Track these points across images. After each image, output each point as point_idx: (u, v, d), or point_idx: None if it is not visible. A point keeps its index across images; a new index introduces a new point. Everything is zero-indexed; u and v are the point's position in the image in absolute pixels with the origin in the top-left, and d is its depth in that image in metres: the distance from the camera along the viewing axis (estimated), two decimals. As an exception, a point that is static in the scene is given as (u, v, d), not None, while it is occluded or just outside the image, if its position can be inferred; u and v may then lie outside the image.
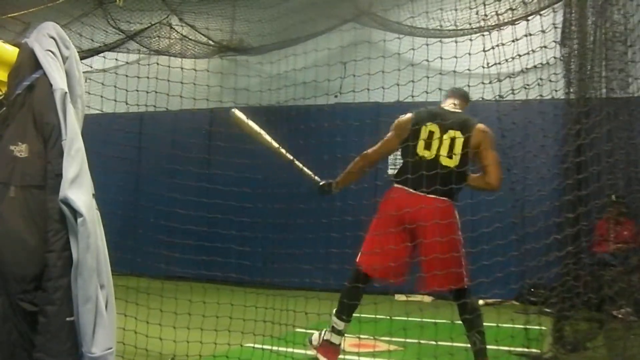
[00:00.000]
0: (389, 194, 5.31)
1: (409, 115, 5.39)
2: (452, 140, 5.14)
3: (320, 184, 5.70)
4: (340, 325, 5.22)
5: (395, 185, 5.27)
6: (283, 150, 5.79)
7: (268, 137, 5.82)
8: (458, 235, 5.10)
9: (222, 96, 7.77)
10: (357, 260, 5.27)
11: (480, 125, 5.21)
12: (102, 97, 5.84)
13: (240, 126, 5.86)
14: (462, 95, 5.53)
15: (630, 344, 5.22)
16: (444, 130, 5.16)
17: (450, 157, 5.12)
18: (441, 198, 5.04)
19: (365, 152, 5.54)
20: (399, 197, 5.18)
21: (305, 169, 5.80)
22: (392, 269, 5.08)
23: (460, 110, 5.42)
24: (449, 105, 5.46)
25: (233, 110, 5.88)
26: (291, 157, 5.81)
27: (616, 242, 8.21)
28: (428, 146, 5.16)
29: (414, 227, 5.00)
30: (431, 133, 5.19)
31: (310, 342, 5.45)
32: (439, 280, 4.96)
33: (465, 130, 5.15)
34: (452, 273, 4.96)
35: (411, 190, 5.12)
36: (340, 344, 5.26)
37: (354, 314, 5.27)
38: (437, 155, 5.13)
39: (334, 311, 5.27)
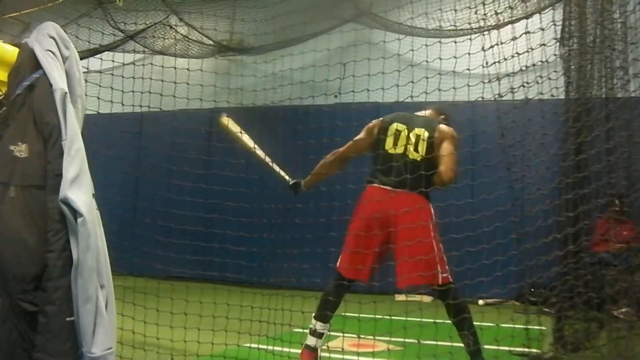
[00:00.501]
0: (362, 196, 5.42)
1: (379, 119, 5.59)
2: (417, 137, 5.30)
3: (290, 183, 5.88)
4: (317, 325, 5.24)
5: (368, 186, 5.41)
6: (259, 152, 5.99)
7: (247, 139, 6.00)
8: (432, 236, 5.14)
9: (222, 96, 7.76)
10: (338, 264, 5.38)
11: (443, 125, 5.38)
12: (98, 98, 5.82)
13: (226, 132, 6.00)
14: (436, 108, 5.71)
15: (632, 344, 5.21)
16: (410, 129, 5.34)
17: (416, 151, 5.26)
18: (412, 194, 5.08)
19: (336, 150, 5.73)
20: (371, 195, 5.30)
21: (277, 168, 5.98)
22: (361, 269, 5.20)
23: (427, 115, 5.60)
24: (420, 113, 5.64)
25: (222, 118, 5.89)
26: (263, 157, 5.99)
27: (617, 242, 8.21)
28: (395, 143, 5.34)
29: (389, 225, 5.11)
30: (398, 132, 5.38)
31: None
32: (413, 277, 5.04)
33: (429, 129, 5.31)
34: (428, 273, 5.00)
35: (382, 186, 5.27)
36: (316, 348, 5.24)
37: (352, 314, 5.27)
38: (405, 152, 5.28)
39: (313, 315, 5.28)
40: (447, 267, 5.12)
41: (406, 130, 5.34)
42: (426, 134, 5.28)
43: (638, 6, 5.75)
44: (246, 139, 6.03)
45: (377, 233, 5.13)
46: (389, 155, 5.32)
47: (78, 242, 3.46)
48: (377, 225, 5.14)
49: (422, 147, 5.26)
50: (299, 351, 5.24)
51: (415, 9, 8.60)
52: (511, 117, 5.44)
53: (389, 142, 5.36)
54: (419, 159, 5.22)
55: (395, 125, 5.40)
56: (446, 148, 5.23)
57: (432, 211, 5.24)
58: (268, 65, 8.00)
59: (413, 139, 5.30)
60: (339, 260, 5.38)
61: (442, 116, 5.64)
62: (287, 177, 5.89)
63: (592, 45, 6.22)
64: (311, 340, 5.24)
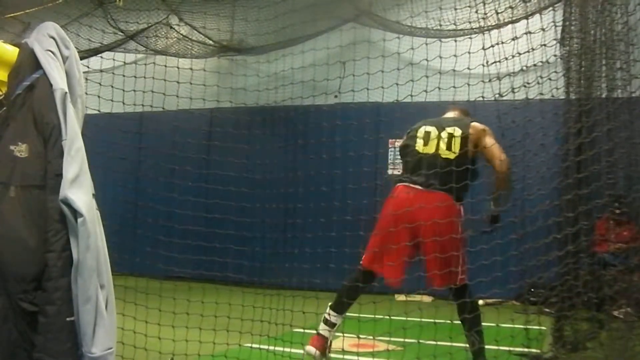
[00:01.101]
0: (391, 193, 5.35)
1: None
2: (450, 136, 5.24)
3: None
4: (333, 318, 5.21)
5: (397, 184, 5.34)
6: None
7: None
8: (459, 234, 5.10)
9: (223, 96, 7.78)
10: (362, 260, 5.31)
11: (475, 123, 5.32)
12: (99, 97, 5.83)
13: None
14: (462, 109, 5.68)
15: (631, 344, 5.21)
16: (440, 129, 5.29)
17: (449, 149, 5.21)
18: (441, 193, 5.05)
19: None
20: (400, 194, 5.25)
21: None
22: (391, 268, 5.11)
23: (456, 116, 5.56)
24: (448, 114, 5.62)
25: None
26: None
27: (616, 242, 8.21)
28: (426, 143, 5.29)
29: (415, 226, 5.03)
30: (427, 133, 5.33)
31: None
32: (437, 279, 5.01)
33: (461, 127, 5.26)
34: (449, 272, 4.99)
35: (411, 185, 5.21)
36: (329, 338, 5.23)
37: (352, 314, 5.28)
38: (437, 151, 5.23)
39: (329, 304, 5.27)
40: (466, 267, 5.12)
41: (436, 130, 5.30)
42: (459, 131, 5.24)
43: (638, 7, 5.75)
44: None
45: (405, 230, 5.08)
46: (419, 154, 5.28)
47: (78, 242, 3.46)
48: (404, 223, 5.08)
49: (455, 145, 5.20)
50: (300, 351, 5.24)
51: (415, 8, 8.60)
52: (511, 117, 5.43)
53: (419, 143, 5.32)
54: (452, 157, 5.17)
55: (423, 128, 5.37)
56: (488, 141, 5.21)
57: (462, 210, 5.22)
58: (268, 65, 8.00)
59: (445, 138, 5.25)
60: (364, 257, 5.31)
61: (468, 116, 5.62)
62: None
63: (592, 46, 6.22)
64: (322, 327, 5.23)
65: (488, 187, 5.26)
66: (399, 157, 5.51)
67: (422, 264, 5.10)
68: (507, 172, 5.13)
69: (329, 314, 5.23)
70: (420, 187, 5.17)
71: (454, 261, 4.99)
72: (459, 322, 5.06)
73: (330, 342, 5.26)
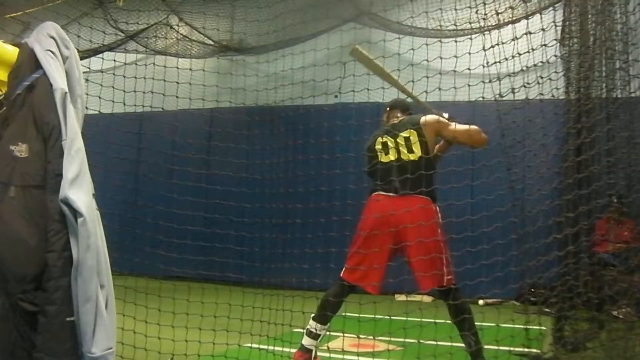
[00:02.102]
0: (367, 204, 5.41)
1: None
2: (406, 139, 5.34)
3: None
4: (314, 326, 5.22)
5: (372, 193, 5.41)
6: (408, 89, 5.65)
7: (393, 75, 5.69)
8: (439, 236, 5.14)
9: (223, 96, 7.77)
10: (342, 273, 5.34)
11: (426, 117, 5.41)
12: (99, 97, 5.83)
13: (363, 62, 5.78)
14: (403, 106, 5.75)
15: (632, 344, 5.21)
16: (395, 137, 5.39)
17: (411, 152, 5.30)
18: (416, 197, 5.09)
19: None
20: (380, 202, 5.30)
21: (413, 93, 5.65)
22: (370, 275, 5.17)
23: (403, 117, 5.62)
24: (393, 120, 5.67)
25: (355, 46, 5.78)
26: (399, 82, 5.68)
27: (617, 242, 8.21)
28: (386, 152, 5.41)
29: (396, 230, 5.10)
30: (384, 143, 5.44)
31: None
32: (423, 282, 5.05)
33: (413, 126, 5.34)
34: (434, 274, 5.01)
35: (383, 193, 5.30)
36: (312, 350, 5.23)
37: (352, 314, 5.28)
38: (399, 156, 5.33)
39: (312, 317, 5.26)
40: (451, 268, 5.13)
41: (392, 139, 5.39)
42: (414, 131, 5.32)
43: (638, 7, 5.75)
44: (378, 65, 5.76)
45: (382, 236, 5.13)
46: (384, 164, 5.36)
47: (78, 242, 3.46)
48: (381, 229, 5.13)
49: (417, 147, 5.28)
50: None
51: (416, 8, 8.59)
52: (511, 118, 5.43)
53: (380, 154, 5.43)
54: (416, 158, 5.25)
55: (379, 139, 5.48)
56: (450, 129, 5.29)
57: (437, 211, 5.25)
58: (268, 65, 8.00)
59: (403, 143, 5.33)
60: (345, 271, 5.34)
61: (408, 111, 5.70)
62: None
63: (592, 46, 6.22)
64: (307, 341, 5.23)
65: (486, 187, 5.28)
66: (367, 174, 5.58)
67: (408, 268, 5.13)
68: (482, 139, 5.24)
69: (314, 327, 5.23)
70: (393, 194, 5.23)
71: (439, 263, 5.03)
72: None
73: (316, 354, 5.28)
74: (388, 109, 5.79)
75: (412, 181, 5.05)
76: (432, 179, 5.21)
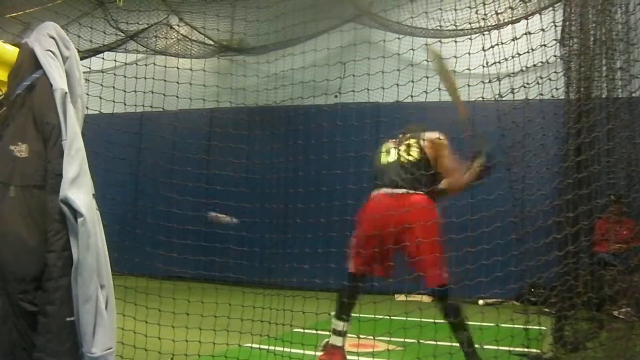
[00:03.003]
0: (367, 203, 5.46)
1: None
2: (408, 146, 5.47)
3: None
4: (339, 325, 5.27)
5: (373, 191, 5.48)
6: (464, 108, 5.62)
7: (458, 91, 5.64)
8: (438, 236, 5.18)
9: (223, 96, 7.77)
10: (350, 268, 5.42)
11: (429, 134, 5.48)
12: (100, 97, 5.83)
13: (438, 68, 5.63)
14: (413, 129, 5.75)
15: (632, 344, 5.21)
16: (398, 145, 5.54)
17: (409, 155, 5.41)
18: (417, 195, 5.19)
19: None
20: (375, 199, 5.40)
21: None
22: (372, 264, 5.28)
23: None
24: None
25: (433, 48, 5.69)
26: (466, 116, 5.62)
27: (617, 242, 8.21)
28: (388, 154, 5.55)
29: (397, 230, 5.13)
30: (387, 147, 5.61)
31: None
32: (426, 280, 5.10)
33: (415, 137, 5.49)
34: (435, 272, 5.07)
35: (385, 190, 5.35)
36: (342, 345, 5.28)
37: (352, 314, 5.29)
38: (399, 158, 5.44)
39: (333, 313, 5.31)
40: (446, 269, 5.15)
41: (395, 145, 5.54)
42: (414, 141, 5.45)
43: (638, 7, 5.75)
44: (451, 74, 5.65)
45: (381, 234, 5.16)
46: (384, 166, 5.50)
47: (78, 242, 3.47)
48: (381, 229, 5.16)
49: (415, 151, 5.40)
50: (300, 351, 5.24)
51: (415, 8, 8.59)
52: (511, 118, 5.43)
53: (383, 157, 5.58)
54: (413, 160, 5.36)
55: (385, 147, 5.64)
56: (445, 155, 5.39)
57: (436, 210, 5.27)
58: (268, 65, 8.00)
59: (404, 148, 5.46)
60: (350, 263, 5.42)
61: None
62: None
63: (592, 46, 6.22)
64: (336, 340, 5.30)
65: (486, 187, 5.29)
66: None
67: (408, 266, 5.14)
68: (456, 191, 5.44)
69: (337, 324, 5.31)
70: (391, 191, 5.28)
71: (436, 263, 5.09)
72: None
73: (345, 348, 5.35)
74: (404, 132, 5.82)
75: (410, 179, 5.16)
76: (431, 178, 5.23)
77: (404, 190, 5.20)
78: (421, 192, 5.21)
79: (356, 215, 5.48)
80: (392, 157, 5.48)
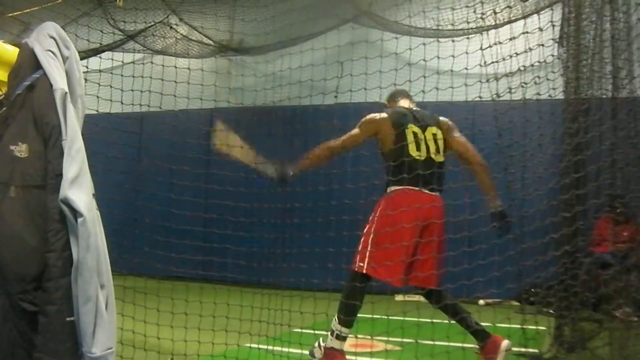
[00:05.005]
0: (393, 197, 5.24)
1: (383, 115, 5.42)
2: (434, 136, 5.28)
3: (276, 175, 5.47)
4: (345, 332, 5.13)
5: (398, 187, 5.22)
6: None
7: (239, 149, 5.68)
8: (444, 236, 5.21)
9: (222, 96, 7.77)
10: (359, 266, 5.19)
11: (442, 118, 5.42)
12: (98, 97, 5.84)
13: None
14: (409, 95, 5.68)
15: (631, 344, 5.23)
16: (424, 129, 5.27)
17: (438, 153, 5.26)
18: (438, 196, 5.14)
19: (328, 143, 5.48)
20: (407, 196, 5.16)
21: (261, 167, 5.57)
22: (389, 269, 5.08)
23: (419, 108, 5.56)
24: (410, 105, 5.58)
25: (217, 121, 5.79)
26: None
27: (615, 242, 8.22)
28: (418, 147, 5.22)
29: (425, 226, 5.06)
30: (415, 134, 5.25)
31: (313, 354, 5.42)
32: (432, 279, 5.06)
33: (437, 125, 5.34)
34: (439, 271, 5.07)
35: (411, 187, 5.15)
36: (342, 350, 5.20)
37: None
38: (429, 154, 5.24)
39: (336, 318, 5.17)
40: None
41: (421, 132, 5.25)
42: (438, 131, 5.30)
43: (637, 6, 5.76)
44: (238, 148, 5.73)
45: (411, 229, 5.04)
46: (415, 161, 5.17)
47: (78, 242, 3.47)
48: (411, 222, 5.04)
49: (441, 147, 5.27)
50: (299, 351, 5.25)
51: (413, 7, 8.61)
52: (509, 118, 5.45)
53: (412, 147, 5.21)
54: (442, 160, 5.27)
55: (410, 129, 5.25)
56: (457, 134, 5.34)
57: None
58: (266, 65, 8.02)
59: (432, 140, 5.26)
60: (365, 262, 5.17)
61: (412, 100, 5.66)
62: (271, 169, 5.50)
63: (590, 46, 6.23)
64: (337, 344, 5.15)
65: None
66: (389, 159, 5.35)
67: (416, 264, 5.10)
68: (488, 169, 5.22)
69: (344, 330, 5.13)
70: (421, 190, 5.14)
71: (442, 261, 5.10)
72: (455, 322, 5.09)
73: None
74: (393, 96, 5.72)
75: (437, 182, 5.12)
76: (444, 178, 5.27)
77: (431, 190, 5.16)
78: (440, 193, 5.23)
79: (356, 219, 5.43)
80: (422, 151, 5.21)
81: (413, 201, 5.10)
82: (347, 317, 5.09)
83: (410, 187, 5.15)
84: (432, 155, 5.23)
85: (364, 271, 5.12)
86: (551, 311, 5.92)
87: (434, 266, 5.03)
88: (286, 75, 7.18)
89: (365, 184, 5.56)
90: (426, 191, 5.15)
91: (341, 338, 5.15)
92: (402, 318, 4.96)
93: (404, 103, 5.55)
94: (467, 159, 5.30)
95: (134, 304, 5.21)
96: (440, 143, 5.26)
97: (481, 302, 9.20)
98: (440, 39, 5.58)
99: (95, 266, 3.51)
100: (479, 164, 5.23)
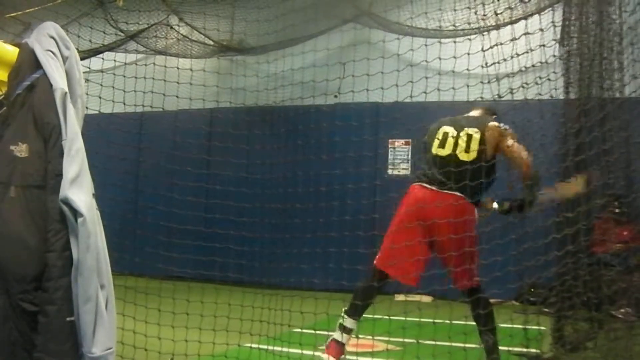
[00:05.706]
0: (407, 193, 5.32)
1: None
2: (469, 137, 5.20)
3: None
4: (349, 323, 5.14)
5: (413, 183, 5.32)
6: None
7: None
8: (473, 233, 5.10)
9: (223, 96, 7.78)
10: (375, 260, 5.24)
11: (493, 123, 5.25)
12: (100, 97, 5.85)
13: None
14: (486, 108, 5.58)
15: (631, 344, 5.22)
16: (460, 129, 5.23)
17: (467, 152, 5.16)
18: (455, 194, 5.06)
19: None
20: (415, 194, 5.23)
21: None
22: (404, 267, 5.08)
23: (479, 115, 5.48)
24: (471, 113, 5.55)
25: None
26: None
27: (616, 242, 8.20)
28: (442, 145, 5.24)
29: (429, 224, 5.03)
30: (446, 134, 5.27)
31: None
32: (459, 279, 5.04)
33: (480, 127, 5.21)
34: (469, 270, 5.00)
35: (425, 185, 5.19)
36: (345, 343, 5.20)
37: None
38: (453, 152, 5.20)
39: (344, 310, 5.20)
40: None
41: (454, 131, 5.25)
42: (477, 132, 5.20)
43: (638, 7, 5.75)
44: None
45: (413, 228, 5.05)
46: (434, 155, 5.25)
47: (78, 242, 3.47)
48: (418, 221, 5.06)
49: (473, 147, 5.16)
50: (299, 351, 5.24)
51: (415, 8, 8.61)
52: (510, 118, 5.44)
53: (435, 143, 5.27)
54: (467, 159, 5.14)
55: (442, 129, 5.31)
56: (508, 142, 5.15)
57: (475, 210, 5.19)
58: (268, 66, 8.02)
59: (464, 138, 5.20)
60: (378, 258, 5.25)
61: (494, 115, 5.52)
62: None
63: (591, 46, 6.22)
64: (339, 336, 5.17)
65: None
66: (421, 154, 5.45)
67: (441, 264, 5.11)
68: (529, 170, 5.10)
69: (344, 319, 5.17)
70: (433, 187, 5.15)
71: (470, 260, 5.02)
72: (457, 322, 5.08)
73: (345, 348, 5.25)
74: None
75: (456, 179, 5.01)
76: (479, 178, 5.05)
77: (445, 188, 5.11)
78: (460, 192, 5.08)
79: (357, 219, 5.43)
80: (447, 148, 5.23)
81: (417, 200, 5.14)
82: (354, 309, 5.15)
83: (422, 184, 5.22)
84: (457, 153, 5.19)
85: (378, 267, 5.20)
86: (548, 310, 5.92)
87: (456, 265, 4.99)
88: (288, 76, 7.19)
89: (367, 185, 5.57)
90: (434, 188, 5.14)
91: (346, 330, 5.15)
92: (403, 318, 4.95)
93: (473, 113, 5.56)
94: (515, 167, 5.25)
95: (135, 304, 5.22)
96: (473, 143, 5.17)
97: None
98: (442, 40, 5.57)
99: (95, 266, 3.51)
100: (522, 170, 5.17)
